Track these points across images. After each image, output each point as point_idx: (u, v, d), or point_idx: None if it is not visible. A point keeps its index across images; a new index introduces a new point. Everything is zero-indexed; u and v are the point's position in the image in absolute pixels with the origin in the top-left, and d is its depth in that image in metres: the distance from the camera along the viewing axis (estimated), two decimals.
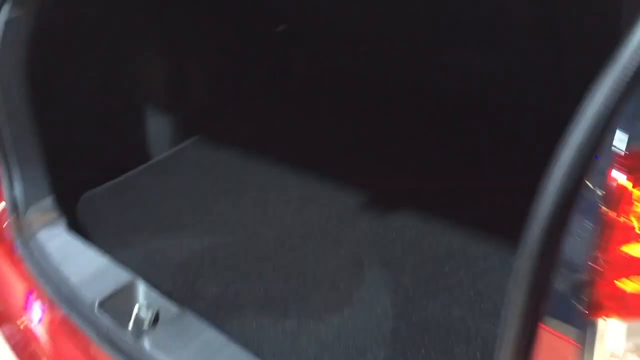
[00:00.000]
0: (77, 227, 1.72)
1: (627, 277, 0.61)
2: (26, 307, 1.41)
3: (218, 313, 1.38)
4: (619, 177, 0.62)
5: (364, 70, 2.33)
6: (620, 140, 0.63)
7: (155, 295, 1.37)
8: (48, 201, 1.70)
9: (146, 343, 1.23)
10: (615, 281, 0.61)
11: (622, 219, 0.62)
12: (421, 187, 1.68)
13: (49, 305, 1.38)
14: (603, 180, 0.62)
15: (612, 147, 0.63)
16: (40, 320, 1.40)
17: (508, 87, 1.94)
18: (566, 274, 0.63)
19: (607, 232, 0.61)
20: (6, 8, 1.50)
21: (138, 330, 1.25)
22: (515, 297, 0.67)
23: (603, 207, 0.62)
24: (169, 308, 1.33)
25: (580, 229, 0.62)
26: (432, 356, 1.21)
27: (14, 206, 1.60)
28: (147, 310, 1.31)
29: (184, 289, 1.47)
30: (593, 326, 0.61)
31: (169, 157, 2.13)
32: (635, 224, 0.61)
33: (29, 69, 1.58)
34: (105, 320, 1.27)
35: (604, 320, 0.62)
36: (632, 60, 0.63)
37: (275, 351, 1.28)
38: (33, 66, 1.61)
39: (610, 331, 0.62)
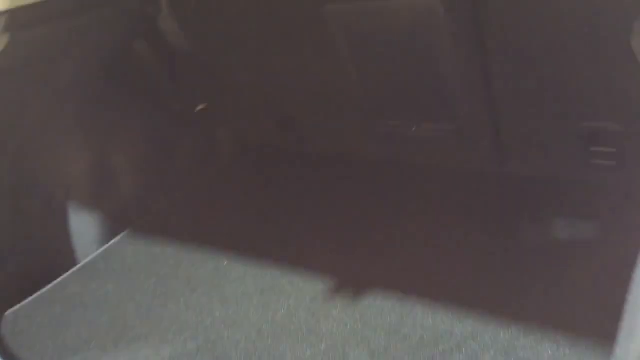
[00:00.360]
0: (6, 354, 1.50)
1: None
2: None
3: None
4: None
5: (297, 145, 2.28)
6: None
7: None
8: None
9: None
10: None
11: None
12: (388, 265, 1.63)
13: None
14: None
15: None
16: None
17: (448, 153, 1.96)
18: None
19: None
20: None
21: None
22: None
23: None
24: None
25: None
26: None
27: None
28: None
29: None
30: None
31: (99, 257, 1.94)
32: None
33: None
34: None
35: None
36: None
37: None
38: None
39: None
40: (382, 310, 1.47)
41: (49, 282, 1.81)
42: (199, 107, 2.39)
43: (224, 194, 2.20)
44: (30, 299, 1.75)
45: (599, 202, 1.71)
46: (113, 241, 1.99)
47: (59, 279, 1.83)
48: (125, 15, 2.00)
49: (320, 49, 1.89)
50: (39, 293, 1.77)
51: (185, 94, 2.30)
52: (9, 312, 1.69)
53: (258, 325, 1.51)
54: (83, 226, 1.94)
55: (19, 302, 1.73)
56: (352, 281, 1.59)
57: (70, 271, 1.86)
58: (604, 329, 1.28)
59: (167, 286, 1.74)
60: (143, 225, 2.05)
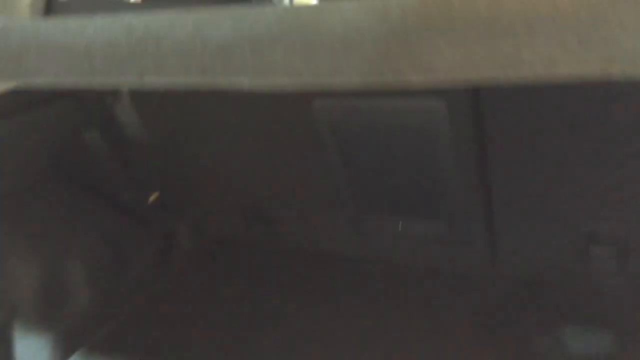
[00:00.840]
0: None
1: None
2: None
3: None
4: None
5: (269, 240, 2.10)
6: None
7: None
8: None
9: None
10: None
11: None
12: None
13: None
14: None
15: None
16: None
17: (438, 253, 1.87)
18: None
19: None
20: None
21: None
22: None
23: None
24: None
25: None
26: None
27: None
28: None
29: None
30: None
31: None
32: None
33: None
34: None
35: None
36: None
37: None
38: None
39: None
40: None
41: None
42: (152, 198, 2.16)
43: (189, 300, 1.97)
44: None
45: (599, 306, 1.66)
46: None
47: None
48: (79, 106, 1.77)
49: (301, 140, 1.75)
50: None
51: (139, 185, 2.07)
52: None
53: None
54: (29, 349, 1.65)
55: None
56: None
57: None
58: None
59: None
60: (99, 343, 1.78)
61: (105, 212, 1.92)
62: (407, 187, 1.76)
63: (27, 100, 1.58)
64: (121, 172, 2.00)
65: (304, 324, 1.77)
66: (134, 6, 1.62)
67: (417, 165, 1.68)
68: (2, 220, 1.64)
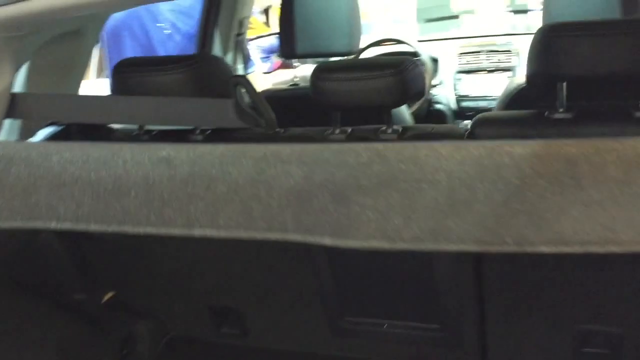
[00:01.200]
0: None
1: None
2: None
3: None
4: None
5: (239, 339, 1.93)
6: None
7: None
8: None
9: None
10: None
11: None
12: None
13: None
14: None
15: None
16: None
17: (426, 353, 1.77)
18: None
19: None
20: None
21: None
22: None
23: None
24: None
25: None
26: None
27: None
28: None
29: None
30: None
31: None
32: None
33: None
34: None
35: None
36: None
37: None
38: None
39: None
40: None
41: None
42: (107, 296, 1.95)
43: None
44: None
45: None
46: None
47: None
48: None
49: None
50: None
51: (96, 286, 1.86)
52: None
53: None
54: None
55: None
56: None
57: None
58: None
59: None
60: None
61: (60, 318, 1.70)
62: (395, 287, 1.67)
63: None
64: (77, 274, 1.79)
65: None
66: (108, 100, 1.46)
67: (407, 267, 1.60)
68: None
